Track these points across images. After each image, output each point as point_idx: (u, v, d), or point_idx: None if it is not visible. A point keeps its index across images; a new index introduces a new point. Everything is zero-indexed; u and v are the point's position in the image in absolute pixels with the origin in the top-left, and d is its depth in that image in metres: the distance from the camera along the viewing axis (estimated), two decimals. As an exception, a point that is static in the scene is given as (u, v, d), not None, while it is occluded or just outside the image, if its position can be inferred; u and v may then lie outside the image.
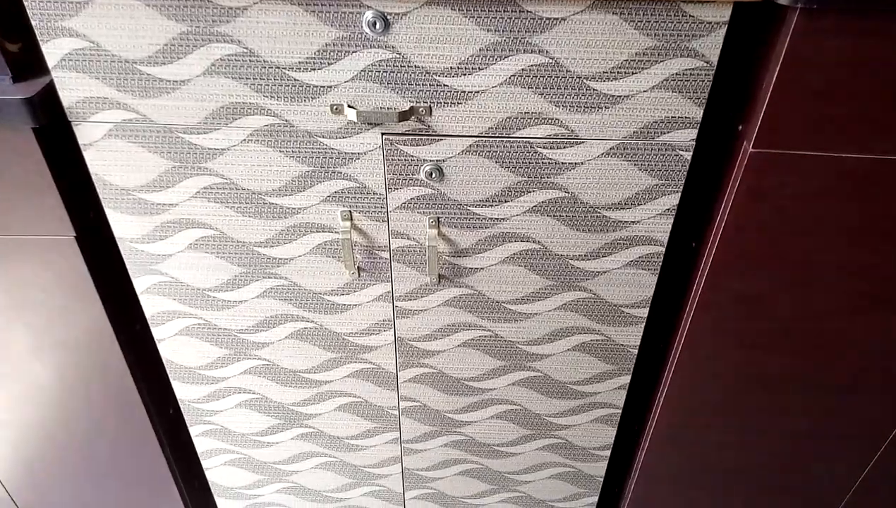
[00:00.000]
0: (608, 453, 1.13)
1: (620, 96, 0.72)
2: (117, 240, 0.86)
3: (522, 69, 0.71)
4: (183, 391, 1.05)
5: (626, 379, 1.01)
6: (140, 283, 0.91)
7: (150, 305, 0.94)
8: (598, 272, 0.88)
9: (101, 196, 0.82)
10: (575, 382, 1.02)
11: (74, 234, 0.84)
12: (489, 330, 0.96)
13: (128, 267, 0.89)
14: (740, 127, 0.76)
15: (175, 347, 0.99)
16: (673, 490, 1.16)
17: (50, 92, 0.75)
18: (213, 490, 1.23)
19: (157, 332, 0.97)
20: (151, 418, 1.07)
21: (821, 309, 0.88)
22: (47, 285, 0.89)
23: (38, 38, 0.70)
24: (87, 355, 0.97)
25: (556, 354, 0.98)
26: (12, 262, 0.87)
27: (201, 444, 1.14)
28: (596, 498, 1.22)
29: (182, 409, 1.08)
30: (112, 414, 1.05)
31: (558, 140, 0.76)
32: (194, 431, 1.12)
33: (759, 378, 0.97)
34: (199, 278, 0.91)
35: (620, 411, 1.06)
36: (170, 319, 0.95)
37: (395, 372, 1.02)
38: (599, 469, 1.16)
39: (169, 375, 1.03)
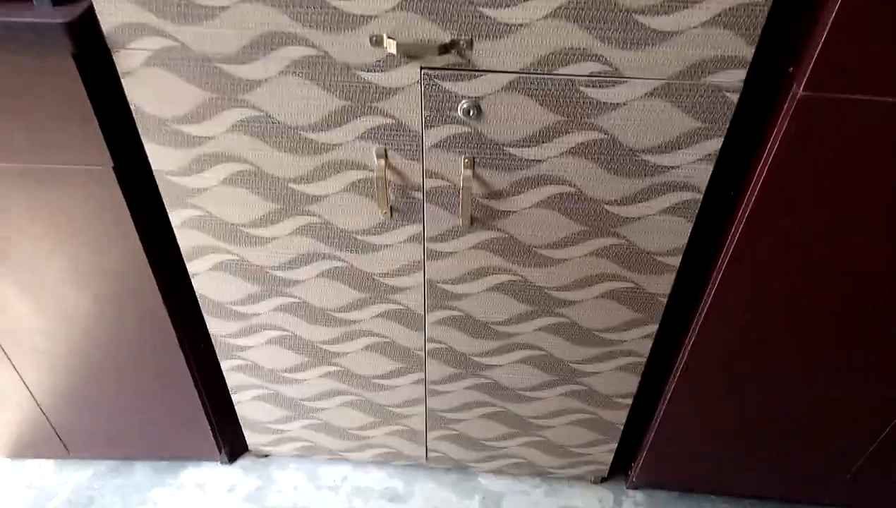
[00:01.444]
0: (630, 401, 1.14)
1: (669, 32, 0.70)
2: (154, 172, 0.87)
3: (569, 0, 0.69)
4: (215, 325, 1.07)
5: (654, 328, 1.01)
6: (175, 217, 0.92)
7: (185, 239, 0.95)
8: (633, 218, 0.87)
9: (138, 126, 0.83)
10: (601, 329, 1.02)
11: (112, 165, 0.85)
12: (519, 275, 0.96)
13: (164, 199, 0.90)
14: (791, 69, 0.73)
15: (208, 282, 1.00)
16: (691, 442, 1.17)
17: (89, 17, 0.74)
18: (241, 423, 1.27)
19: (191, 267, 0.98)
20: (184, 349, 1.09)
21: (860, 258, 0.86)
22: (85, 215, 0.90)
23: (78, -40, 0.70)
24: (123, 285, 0.99)
25: (584, 301, 0.98)
26: (51, 191, 0.88)
27: (231, 378, 1.17)
28: (615, 446, 1.24)
29: (214, 343, 1.10)
30: (146, 344, 1.08)
31: (602, 78, 0.74)
32: (225, 366, 1.14)
33: (786, 331, 0.96)
34: (234, 213, 0.91)
35: (645, 359, 1.06)
36: (204, 253, 0.96)
37: (423, 313, 1.03)
38: (620, 416, 1.17)
39: (202, 309, 1.05)
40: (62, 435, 1.27)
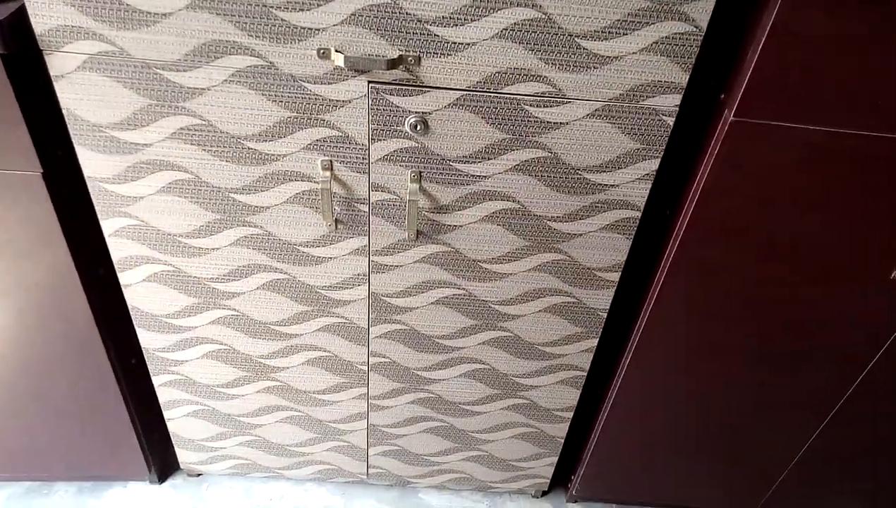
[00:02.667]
0: (571, 415, 1.16)
1: (610, 56, 0.73)
2: (86, 179, 0.84)
3: (515, 23, 0.70)
4: (148, 339, 1.03)
5: (594, 343, 1.03)
6: (108, 225, 0.88)
7: (118, 249, 0.91)
8: (575, 234, 0.89)
9: (71, 132, 0.79)
10: (543, 343, 1.04)
11: (41, 171, 0.81)
12: (463, 289, 0.96)
13: (96, 208, 0.86)
14: (722, 95, 0.77)
15: (142, 293, 0.97)
16: (630, 455, 1.20)
17: (21, 17, 0.71)
18: (173, 441, 1.22)
19: (123, 278, 0.94)
20: (113, 365, 1.04)
21: (784, 280, 0.91)
22: (10, 223, 0.86)
23: (10, -43, 0.67)
24: (50, 297, 0.94)
25: (527, 315, 1.00)
26: (-28, 196, 0.83)
27: (164, 394, 1.12)
28: (556, 459, 1.25)
29: (146, 358, 1.06)
30: (73, 359, 1.03)
31: (546, 98, 0.76)
32: (157, 381, 1.10)
33: (719, 345, 1.00)
34: (171, 223, 0.88)
35: (586, 373, 1.08)
36: (137, 264, 0.93)
37: (366, 327, 1.02)
38: (561, 430, 1.19)
39: (134, 322, 1.00)
40: (-24, 457, 1.19)
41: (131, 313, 0.99)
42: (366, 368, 1.08)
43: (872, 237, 0.86)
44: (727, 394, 1.08)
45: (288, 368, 1.08)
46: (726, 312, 0.95)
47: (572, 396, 1.12)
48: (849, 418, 1.10)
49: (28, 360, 1.03)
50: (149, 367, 1.08)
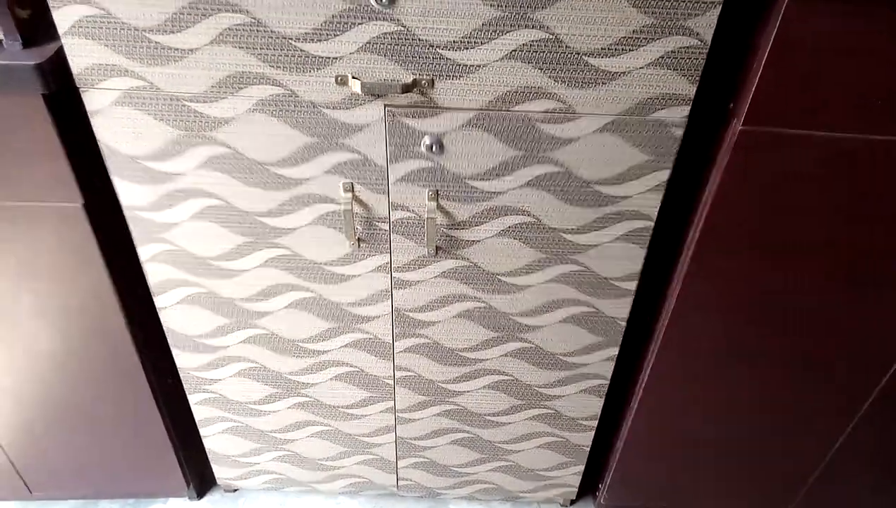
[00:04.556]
0: (595, 423, 1.17)
1: (617, 72, 0.75)
2: (124, 208, 0.88)
3: (523, 44, 0.73)
4: (183, 359, 1.07)
5: (615, 351, 1.05)
6: (144, 251, 0.93)
7: (154, 273, 0.95)
8: (590, 246, 0.91)
9: (108, 164, 0.84)
10: (565, 353, 1.05)
11: (82, 202, 0.86)
12: (483, 302, 0.99)
13: (133, 234, 0.91)
14: (731, 105, 0.79)
15: (176, 315, 1.01)
16: (656, 461, 1.20)
17: (59, 58, 0.76)
18: (209, 458, 1.26)
19: (159, 301, 0.99)
20: (151, 386, 1.09)
21: (799, 286, 0.92)
22: (53, 251, 0.91)
23: (50, 5, 0.72)
24: (90, 321, 0.99)
25: (547, 326, 1.01)
26: (20, 228, 0.88)
27: (200, 412, 1.16)
28: (582, 468, 1.26)
29: (182, 377, 1.10)
30: (113, 380, 1.08)
31: (556, 114, 0.79)
32: (193, 399, 1.14)
33: (741, 351, 1.01)
34: (203, 247, 0.93)
35: (608, 382, 1.09)
36: (172, 288, 0.97)
37: (391, 342, 1.05)
38: (586, 438, 1.20)
39: (170, 343, 1.05)
40: (24, 476, 1.25)
41: (167, 334, 1.04)
42: (392, 382, 1.11)
43: (889, 241, 0.86)
44: (751, 398, 1.08)
45: (317, 384, 1.11)
46: (745, 318, 0.96)
47: (596, 405, 1.13)
48: (880, 415, 1.09)
49: (71, 382, 1.08)
50: (184, 386, 1.12)
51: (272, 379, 1.11)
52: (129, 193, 0.87)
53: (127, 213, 0.89)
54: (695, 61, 0.74)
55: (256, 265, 0.95)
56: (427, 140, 0.81)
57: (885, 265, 0.89)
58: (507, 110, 0.79)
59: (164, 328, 1.03)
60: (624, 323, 1.01)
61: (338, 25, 0.73)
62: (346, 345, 1.05)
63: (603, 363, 1.06)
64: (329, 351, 1.06)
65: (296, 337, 1.04)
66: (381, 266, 0.95)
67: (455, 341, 1.04)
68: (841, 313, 0.95)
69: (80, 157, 0.85)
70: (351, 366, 1.08)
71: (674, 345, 1.00)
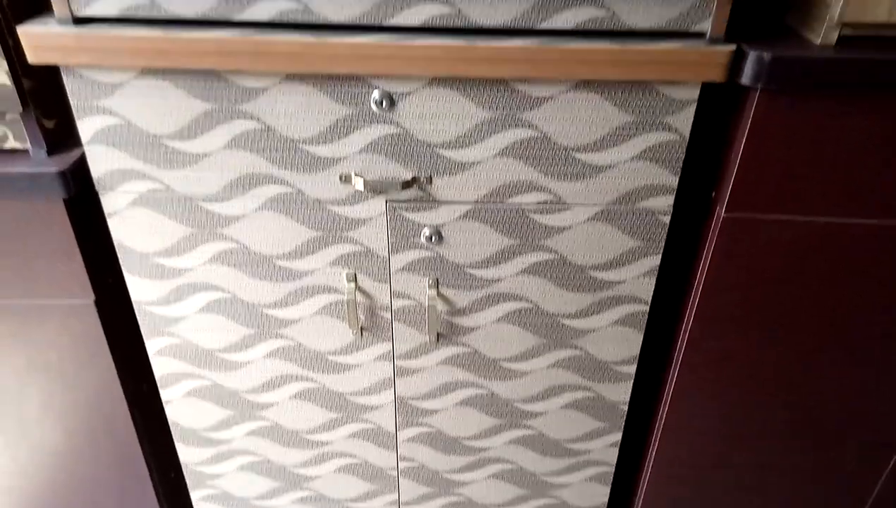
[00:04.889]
0: (604, 513, 1.15)
1: (603, 166, 0.80)
2: (134, 303, 0.91)
3: (514, 142, 0.79)
4: (186, 453, 1.07)
5: (618, 437, 1.04)
6: (152, 345, 0.95)
7: (161, 366, 0.97)
8: (588, 330, 0.94)
9: (121, 261, 0.88)
10: (568, 440, 1.05)
11: (94, 298, 0.89)
12: (486, 388, 1.00)
13: (142, 328, 0.93)
14: (713, 193, 0.83)
15: (181, 408, 1.02)
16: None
17: (81, 164, 0.81)
18: (209, 558, 1.23)
19: (165, 394, 1.00)
20: (154, 483, 1.08)
21: (796, 364, 0.93)
22: (62, 348, 0.93)
23: (75, 116, 0.78)
24: (96, 417, 1.00)
25: (549, 412, 1.02)
26: (31, 326, 0.91)
27: (201, 509, 1.14)
28: (593, 562, 1.22)
29: (185, 472, 1.09)
30: (116, 475, 1.07)
31: (548, 205, 0.83)
32: (195, 495, 1.13)
33: (744, 434, 1.00)
34: (209, 339, 0.95)
35: (613, 468, 1.08)
36: (178, 380, 0.99)
37: (394, 431, 1.05)
38: (596, 529, 1.17)
39: (174, 437, 1.05)
40: (18, 581, 1.21)
41: (171, 428, 1.04)
42: (395, 473, 1.10)
43: (865, 317, 0.88)
44: (758, 481, 1.06)
45: (320, 476, 1.10)
46: (748, 397, 0.97)
47: (602, 493, 1.11)
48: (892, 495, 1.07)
49: (75, 479, 1.07)
50: (187, 482, 1.11)
51: (275, 473, 1.10)
52: (140, 288, 0.90)
53: (137, 308, 0.92)
54: (675, 154, 0.79)
55: (261, 356, 0.96)
56: (426, 231, 0.85)
57: (874, 339, 0.90)
58: (502, 202, 0.83)
59: (170, 421, 1.03)
60: (625, 408, 1.01)
61: (342, 129, 0.78)
62: (349, 436, 1.05)
63: (607, 449, 1.06)
64: (332, 442, 1.06)
65: (299, 428, 1.04)
66: (383, 354, 0.97)
67: (458, 429, 1.04)
68: (839, 388, 0.95)
69: (93, 256, 0.88)
70: (354, 457, 1.08)
71: (676, 431, 1.00)
